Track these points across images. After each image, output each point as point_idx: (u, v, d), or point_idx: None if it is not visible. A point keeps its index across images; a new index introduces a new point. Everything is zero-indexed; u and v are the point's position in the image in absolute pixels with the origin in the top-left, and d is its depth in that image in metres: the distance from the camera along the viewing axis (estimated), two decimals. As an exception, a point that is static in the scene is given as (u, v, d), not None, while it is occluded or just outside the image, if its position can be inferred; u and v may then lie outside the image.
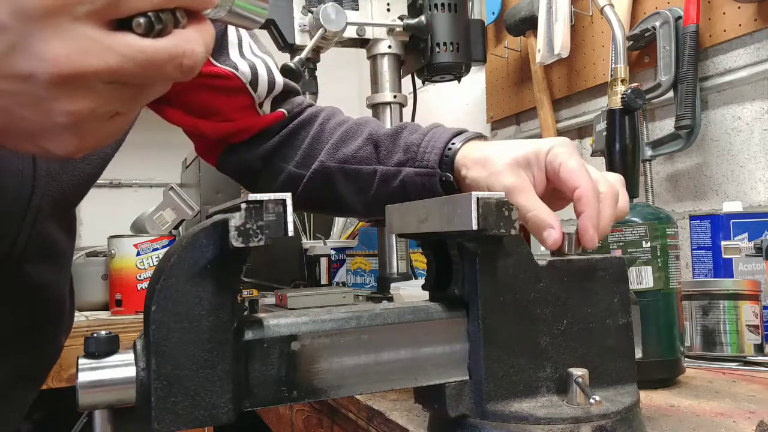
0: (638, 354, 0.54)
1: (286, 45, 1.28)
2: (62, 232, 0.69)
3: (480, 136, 0.72)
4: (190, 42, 0.36)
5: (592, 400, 0.46)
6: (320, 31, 1.21)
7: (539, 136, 1.51)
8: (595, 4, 1.10)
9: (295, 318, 0.45)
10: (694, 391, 0.68)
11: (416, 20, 1.30)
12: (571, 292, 0.51)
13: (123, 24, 0.34)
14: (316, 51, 1.27)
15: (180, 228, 1.71)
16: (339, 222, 1.94)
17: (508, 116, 1.68)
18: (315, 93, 1.32)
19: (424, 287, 0.56)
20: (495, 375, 0.48)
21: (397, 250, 1.38)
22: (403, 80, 1.40)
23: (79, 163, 0.65)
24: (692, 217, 0.98)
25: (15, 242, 0.60)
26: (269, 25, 1.26)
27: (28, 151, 0.38)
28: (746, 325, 0.81)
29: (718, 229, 0.93)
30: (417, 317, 0.49)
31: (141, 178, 2.30)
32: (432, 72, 1.37)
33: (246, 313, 0.45)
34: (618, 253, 0.69)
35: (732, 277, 0.91)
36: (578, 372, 0.48)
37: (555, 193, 0.60)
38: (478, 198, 0.45)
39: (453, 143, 0.70)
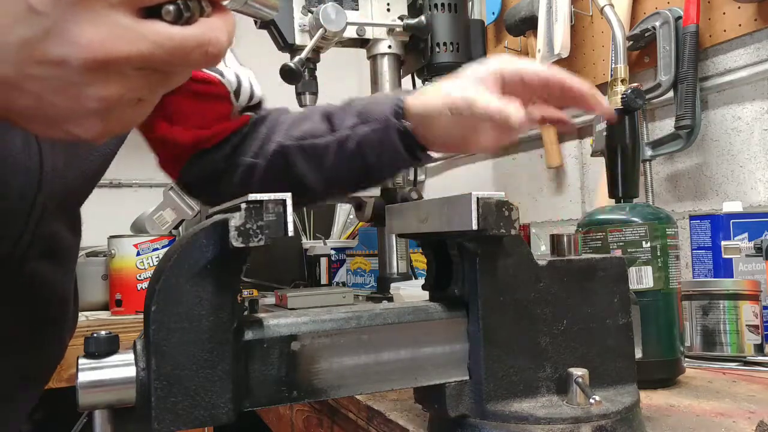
0: (638, 354, 0.54)
1: (286, 45, 1.28)
2: (67, 231, 0.69)
3: None
4: (215, 30, 0.37)
5: (592, 400, 0.46)
6: (320, 31, 1.21)
7: (539, 136, 1.51)
8: (595, 4, 1.11)
9: (295, 318, 0.45)
10: (694, 391, 0.68)
11: (416, 20, 1.30)
12: (571, 292, 0.51)
13: (152, 12, 0.35)
14: (316, 51, 1.27)
15: (180, 228, 1.71)
16: (339, 222, 1.94)
17: (508, 116, 1.68)
18: (315, 93, 1.32)
19: (424, 287, 0.56)
20: (495, 375, 0.48)
21: (397, 250, 1.38)
22: (403, 80, 1.40)
23: (83, 160, 0.65)
24: (692, 217, 0.98)
25: (19, 240, 0.60)
26: (269, 25, 1.26)
27: (52, 135, 0.39)
28: (746, 325, 0.81)
29: (718, 229, 0.93)
30: (417, 317, 0.49)
31: (141, 178, 2.29)
32: (432, 72, 1.37)
33: (246, 313, 0.45)
34: (618, 253, 0.69)
35: (732, 277, 0.90)
36: (578, 372, 0.48)
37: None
38: (478, 198, 0.45)
39: (401, 96, 0.72)
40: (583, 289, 0.52)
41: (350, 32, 1.30)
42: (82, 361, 0.40)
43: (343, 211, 1.94)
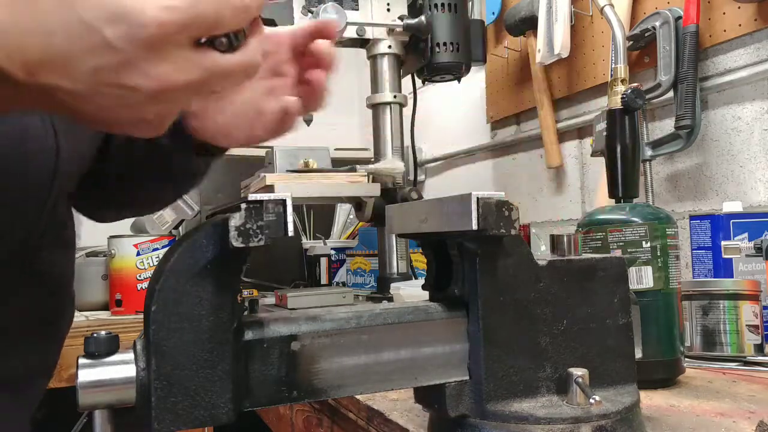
0: (638, 354, 0.54)
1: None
2: (69, 218, 0.69)
3: None
4: (255, 53, 0.43)
5: (592, 400, 0.46)
6: (320, 31, 1.21)
7: (539, 136, 1.51)
8: (595, 4, 1.11)
9: (295, 318, 0.45)
10: (694, 391, 0.68)
11: (416, 20, 1.30)
12: (571, 292, 0.51)
13: (207, 42, 0.41)
14: (316, 51, 1.26)
15: (180, 228, 1.71)
16: (339, 222, 1.94)
17: (508, 116, 1.68)
18: (315, 93, 1.31)
19: (424, 287, 0.56)
20: (495, 375, 0.48)
21: (397, 250, 1.38)
22: (403, 80, 1.40)
23: (80, 143, 0.65)
24: (692, 217, 0.98)
25: (35, 227, 0.60)
26: (269, 25, 1.25)
27: (103, 129, 0.44)
28: (746, 325, 0.81)
29: (718, 229, 0.93)
30: (417, 317, 0.49)
31: (141, 178, 2.29)
32: (432, 72, 1.37)
33: (246, 313, 0.45)
34: (618, 253, 0.69)
35: (732, 277, 0.90)
36: (578, 372, 0.48)
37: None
38: (478, 198, 0.45)
39: None
40: (583, 289, 0.52)
41: (350, 32, 1.30)
42: (82, 361, 0.40)
43: (343, 211, 1.94)
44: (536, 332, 0.50)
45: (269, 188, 1.17)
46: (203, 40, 0.40)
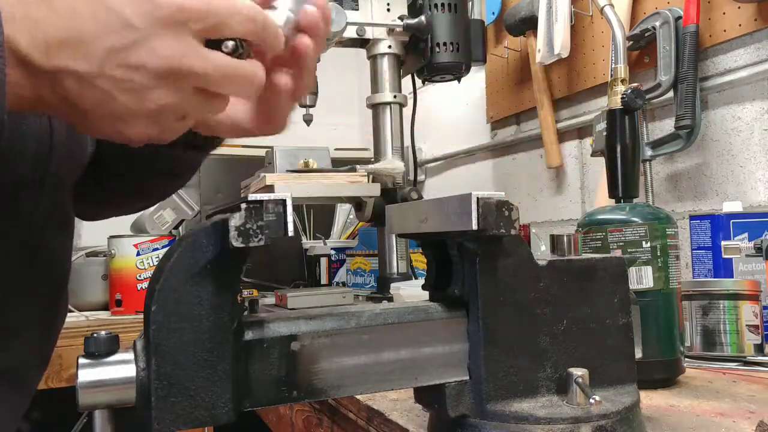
0: (638, 354, 0.54)
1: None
2: (71, 205, 0.69)
3: None
4: (258, 69, 0.46)
5: (592, 400, 0.46)
6: (320, 31, 1.21)
7: (539, 136, 1.51)
8: (595, 4, 1.10)
9: (295, 318, 0.45)
10: (694, 391, 0.68)
11: (416, 20, 1.30)
12: (571, 292, 0.51)
13: (214, 45, 0.44)
14: (316, 51, 1.26)
15: (180, 228, 1.71)
16: (339, 222, 1.94)
17: (508, 116, 1.68)
18: (315, 93, 1.32)
19: (424, 287, 0.56)
20: (495, 375, 0.48)
21: (397, 250, 1.38)
22: (403, 80, 1.40)
23: (78, 135, 0.66)
24: (692, 217, 0.98)
25: (35, 210, 0.61)
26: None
27: (100, 131, 0.44)
28: (746, 325, 0.81)
29: (718, 229, 0.93)
30: (417, 317, 0.49)
31: (141, 178, 2.29)
32: (432, 72, 1.37)
33: (246, 313, 0.45)
34: (618, 253, 0.69)
35: (732, 277, 0.90)
36: (578, 372, 0.48)
37: None
38: (478, 198, 0.45)
39: None
40: (583, 289, 0.52)
41: (350, 32, 1.30)
42: (82, 361, 0.40)
43: (343, 211, 1.94)
44: (536, 332, 0.50)
45: (269, 188, 1.17)
46: (212, 41, 0.43)
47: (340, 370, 0.45)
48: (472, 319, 0.49)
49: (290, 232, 0.40)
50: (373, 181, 1.30)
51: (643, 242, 0.69)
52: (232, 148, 1.78)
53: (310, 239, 1.89)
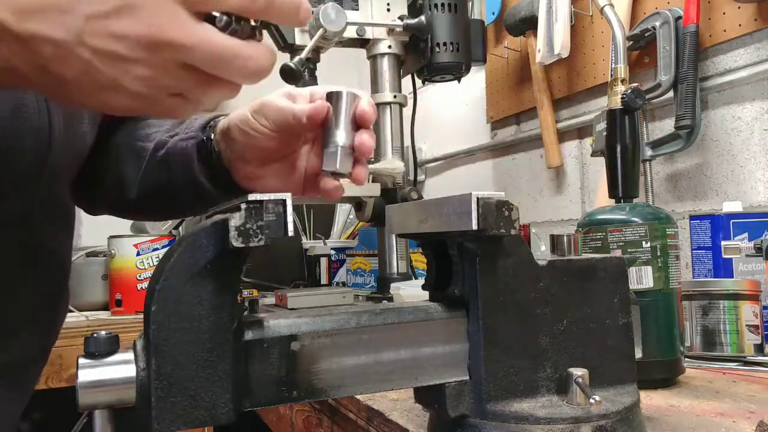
0: (638, 354, 0.54)
1: (286, 45, 1.28)
2: (70, 199, 0.69)
3: None
4: (258, 50, 0.42)
5: (592, 400, 0.46)
6: (320, 31, 1.21)
7: (539, 136, 1.51)
8: (595, 4, 1.10)
9: (295, 318, 0.45)
10: (694, 391, 0.68)
11: (416, 20, 1.30)
12: (571, 292, 0.51)
13: (208, 20, 0.41)
14: (316, 51, 1.27)
15: (180, 228, 1.71)
16: (339, 222, 1.94)
17: (508, 116, 1.68)
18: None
19: (424, 287, 0.56)
20: (495, 375, 0.48)
21: (397, 250, 1.38)
22: (403, 80, 1.40)
23: (78, 122, 0.66)
24: (692, 217, 0.98)
25: (33, 201, 0.60)
26: (269, 25, 1.26)
27: (87, 103, 0.43)
28: (746, 325, 0.81)
29: (718, 229, 0.93)
30: (417, 317, 0.49)
31: (141, 178, 2.29)
32: (432, 72, 1.37)
33: (246, 313, 0.45)
34: (618, 253, 0.69)
35: (732, 277, 0.90)
36: (578, 372, 0.48)
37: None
38: (478, 198, 0.45)
39: (218, 119, 0.70)
40: (583, 289, 0.52)
41: (350, 32, 1.30)
42: (82, 361, 0.40)
43: (343, 211, 1.94)
44: (536, 332, 0.50)
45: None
46: (208, 17, 0.41)
47: (340, 370, 0.45)
48: (472, 319, 0.49)
49: (290, 232, 0.40)
50: (373, 181, 1.30)
51: (643, 242, 0.69)
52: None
53: (310, 239, 1.89)
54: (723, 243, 0.92)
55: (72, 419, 1.24)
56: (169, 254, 0.41)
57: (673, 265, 0.70)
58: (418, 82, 1.47)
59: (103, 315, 1.53)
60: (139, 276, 1.51)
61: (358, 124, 0.60)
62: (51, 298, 0.69)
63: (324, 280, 1.61)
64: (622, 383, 0.52)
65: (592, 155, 1.27)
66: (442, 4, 1.34)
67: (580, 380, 0.48)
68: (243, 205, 0.39)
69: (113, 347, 0.40)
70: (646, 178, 1.20)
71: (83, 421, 1.26)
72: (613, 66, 1.14)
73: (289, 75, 1.17)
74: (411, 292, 1.10)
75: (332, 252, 1.66)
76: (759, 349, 0.81)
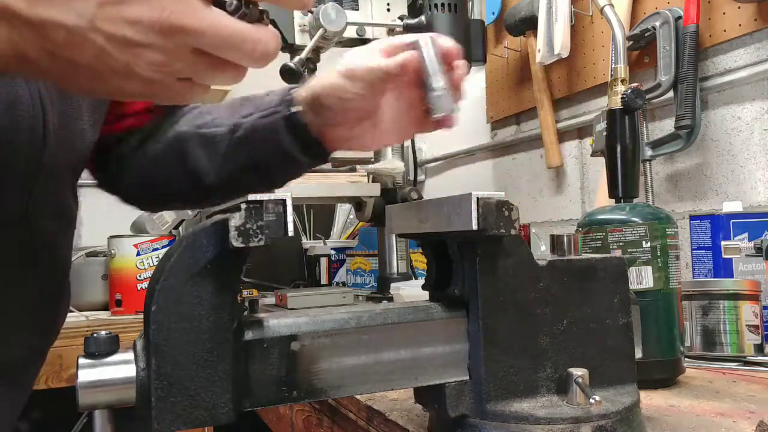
0: (638, 354, 0.54)
1: (286, 45, 1.28)
2: (70, 195, 0.69)
3: None
4: (267, 34, 0.43)
5: (592, 400, 0.46)
6: (320, 31, 1.21)
7: (539, 136, 1.51)
8: (595, 4, 1.10)
9: (295, 318, 0.45)
10: (694, 391, 0.68)
11: (416, 20, 1.30)
12: (571, 292, 0.51)
13: (217, 4, 0.41)
14: (316, 51, 1.27)
15: (180, 228, 1.71)
16: (339, 222, 1.94)
17: (508, 116, 1.68)
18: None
19: (424, 287, 0.56)
20: (495, 375, 0.48)
21: (397, 250, 1.38)
22: (403, 80, 1.40)
23: (74, 120, 0.65)
24: (692, 217, 0.98)
25: (29, 199, 0.60)
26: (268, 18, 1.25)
27: (96, 90, 0.43)
28: (746, 325, 0.81)
29: (718, 229, 0.93)
30: (417, 317, 0.49)
31: (141, 178, 2.29)
32: (432, 72, 1.37)
33: (246, 313, 0.45)
34: (618, 253, 0.69)
35: (732, 277, 0.90)
36: (578, 372, 0.48)
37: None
38: (478, 198, 0.45)
39: (294, 88, 0.70)
40: (583, 289, 0.52)
41: (350, 32, 1.30)
42: (82, 361, 0.40)
43: (343, 211, 1.94)
44: (536, 332, 0.50)
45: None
46: (218, 2, 0.41)
47: (340, 370, 0.45)
48: (472, 319, 0.49)
49: (290, 232, 0.40)
50: (373, 181, 1.31)
51: (643, 242, 0.69)
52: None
53: (310, 239, 1.89)
54: (723, 243, 0.92)
55: (72, 419, 1.24)
56: (169, 254, 0.41)
57: (673, 265, 0.70)
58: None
59: (103, 315, 1.53)
60: (139, 276, 1.51)
61: (446, 62, 0.62)
62: (51, 298, 0.69)
63: (324, 280, 1.61)
64: (622, 383, 0.52)
65: (592, 155, 1.27)
66: (442, 4, 1.34)
67: (580, 380, 0.48)
68: (243, 205, 0.39)
69: (113, 347, 0.40)
70: (646, 178, 1.20)
71: (83, 421, 1.26)
72: (613, 66, 1.14)
73: (289, 75, 1.17)
74: (411, 292, 1.10)
75: (332, 252, 1.66)
76: (759, 349, 0.81)
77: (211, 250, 0.41)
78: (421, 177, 2.08)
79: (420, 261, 1.49)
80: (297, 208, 1.84)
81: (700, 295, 0.83)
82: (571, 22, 1.34)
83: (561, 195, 1.52)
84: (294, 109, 0.67)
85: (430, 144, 2.07)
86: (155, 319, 0.40)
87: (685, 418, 0.57)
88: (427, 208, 0.51)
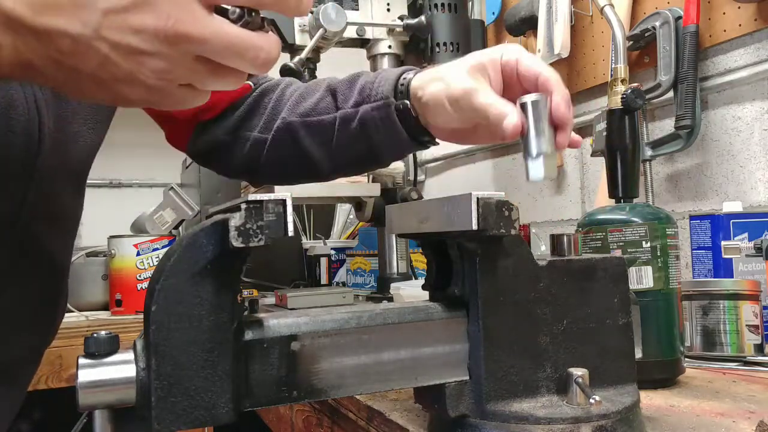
0: (638, 354, 0.54)
1: (286, 45, 1.28)
2: (70, 198, 0.69)
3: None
4: (269, 41, 0.43)
5: (592, 400, 0.46)
6: (320, 31, 1.21)
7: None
8: (595, 4, 1.11)
9: (295, 318, 0.45)
10: (694, 391, 0.68)
11: (416, 20, 1.30)
12: (571, 292, 0.51)
13: (220, 12, 0.42)
14: (316, 51, 1.27)
15: (180, 228, 1.71)
16: (339, 222, 1.94)
17: (508, 116, 1.68)
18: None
19: (424, 287, 0.56)
20: (495, 375, 0.48)
21: (397, 250, 1.38)
22: (403, 80, 1.40)
23: (69, 124, 0.65)
24: (692, 217, 0.98)
25: (23, 201, 0.60)
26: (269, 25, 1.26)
27: (99, 97, 0.44)
28: (746, 325, 0.81)
29: (718, 229, 0.93)
30: (417, 317, 0.49)
31: (141, 178, 2.29)
32: (432, 72, 1.37)
33: (246, 313, 0.45)
34: (618, 253, 0.69)
35: (732, 277, 0.90)
36: (578, 372, 0.48)
37: (513, 96, 0.62)
38: (478, 198, 0.45)
39: (405, 76, 0.71)
40: (583, 289, 0.52)
41: (350, 32, 1.30)
42: (82, 361, 0.40)
43: (343, 211, 1.94)
44: (536, 332, 0.50)
45: (269, 188, 1.17)
46: (220, 9, 0.42)
47: (340, 370, 0.45)
48: (472, 319, 0.49)
49: (290, 232, 0.40)
50: (373, 181, 1.30)
51: (643, 242, 0.69)
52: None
53: (310, 239, 1.89)
54: (723, 243, 0.92)
55: (72, 419, 1.24)
56: (169, 254, 0.41)
57: (673, 265, 0.70)
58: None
59: (103, 315, 1.53)
60: (139, 276, 1.51)
61: (556, 124, 0.59)
62: (50, 299, 0.69)
63: (324, 280, 1.61)
64: (622, 383, 0.52)
65: (592, 155, 1.27)
66: (442, 4, 1.34)
67: (580, 380, 0.48)
68: (243, 205, 0.39)
69: (113, 347, 0.40)
70: (646, 178, 1.20)
71: (83, 421, 1.25)
72: (613, 66, 1.14)
73: (289, 75, 1.17)
74: (411, 292, 1.10)
75: (332, 252, 1.66)
76: (759, 349, 0.81)
77: (211, 250, 0.41)
78: (421, 177, 2.07)
79: (420, 261, 1.49)
80: (297, 208, 1.84)
81: (700, 295, 0.83)
82: (571, 22, 1.34)
83: (561, 195, 1.52)
84: (406, 104, 0.69)
85: (430, 144, 2.06)
86: (155, 319, 0.40)
87: (685, 418, 0.57)
88: (427, 208, 0.51)
